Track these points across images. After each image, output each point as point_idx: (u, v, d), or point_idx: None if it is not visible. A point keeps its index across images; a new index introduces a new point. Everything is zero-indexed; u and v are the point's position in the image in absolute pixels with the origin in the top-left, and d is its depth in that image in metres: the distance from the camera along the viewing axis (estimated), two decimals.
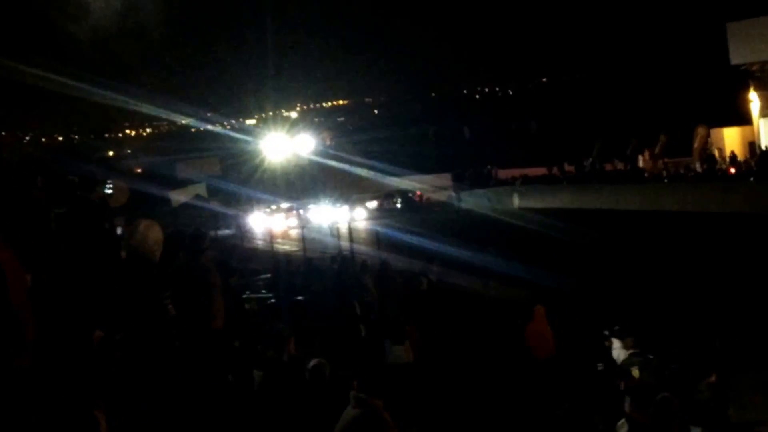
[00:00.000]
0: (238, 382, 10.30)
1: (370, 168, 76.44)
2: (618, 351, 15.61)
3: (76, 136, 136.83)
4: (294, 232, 56.16)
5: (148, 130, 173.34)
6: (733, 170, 54.09)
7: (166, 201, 63.00)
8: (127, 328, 7.61)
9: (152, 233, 8.24)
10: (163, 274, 8.37)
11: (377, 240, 45.99)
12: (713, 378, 14.08)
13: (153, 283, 7.96)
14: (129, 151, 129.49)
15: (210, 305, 9.77)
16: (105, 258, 9.22)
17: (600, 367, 15.91)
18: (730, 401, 14.90)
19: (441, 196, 71.74)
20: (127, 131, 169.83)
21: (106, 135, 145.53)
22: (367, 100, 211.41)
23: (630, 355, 15.03)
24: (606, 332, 16.12)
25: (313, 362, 10.25)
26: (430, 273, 25.40)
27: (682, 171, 56.80)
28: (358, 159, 77.33)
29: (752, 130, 58.86)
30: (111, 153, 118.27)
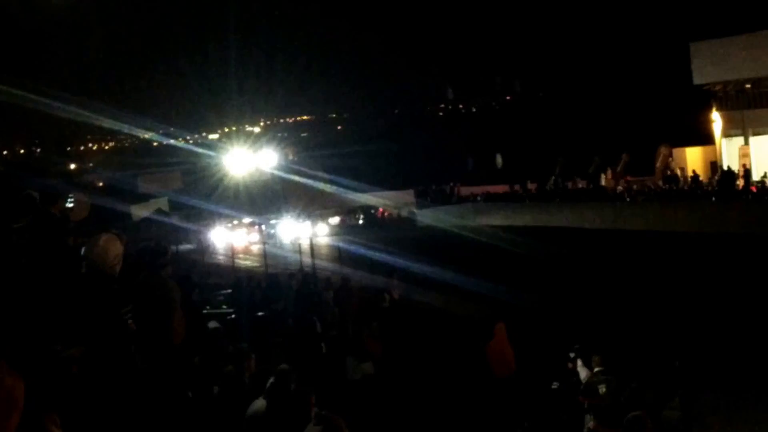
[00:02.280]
0: (198, 399, 10.23)
1: (333, 184, 76.35)
2: (579, 369, 15.66)
3: (38, 150, 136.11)
4: (256, 248, 56.04)
5: (110, 144, 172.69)
6: (693, 190, 54.43)
7: (128, 215, 62.62)
8: (86, 342, 7.54)
9: (112, 247, 8.17)
10: (123, 289, 8.30)
11: (339, 256, 45.97)
12: (678, 400, 14.17)
13: (113, 297, 7.89)
14: (91, 164, 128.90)
15: (170, 320, 9.69)
16: (64, 272, 9.14)
17: (555, 385, 15.93)
18: (693, 421, 15.00)
19: (403, 213, 71.79)
20: (89, 145, 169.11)
21: (68, 149, 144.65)
22: (330, 115, 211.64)
23: (596, 373, 15.07)
24: (571, 354, 16.18)
25: (279, 368, 10.20)
26: (392, 289, 25.38)
27: (645, 190, 57.11)
28: (321, 174, 77.26)
29: (714, 150, 59.31)
30: (73, 167, 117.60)
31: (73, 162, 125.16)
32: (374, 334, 17.51)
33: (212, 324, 15.48)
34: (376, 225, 70.05)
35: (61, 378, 6.97)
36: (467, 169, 64.04)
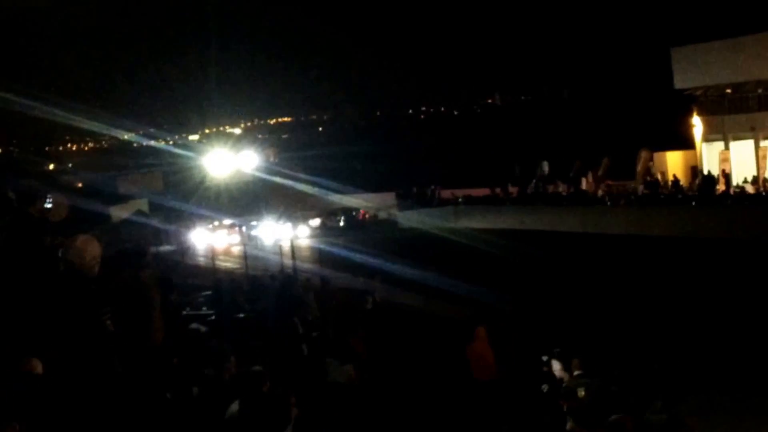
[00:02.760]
0: (177, 400, 10.15)
1: (315, 185, 76.33)
2: (558, 372, 15.65)
3: (16, 150, 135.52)
4: (236, 249, 55.94)
5: (90, 144, 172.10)
6: (673, 194, 54.54)
7: (107, 216, 62.43)
8: (63, 343, 7.47)
9: (90, 248, 8.11)
10: (101, 290, 8.23)
11: (320, 258, 45.91)
12: (659, 403, 14.13)
13: (90, 298, 7.82)
14: (70, 165, 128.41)
15: (149, 321, 9.64)
16: (43, 273, 9.06)
17: (545, 388, 15.92)
18: (676, 424, 14.97)
19: (384, 215, 71.78)
20: (69, 145, 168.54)
21: (47, 149, 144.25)
22: (311, 117, 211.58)
23: (576, 376, 15.07)
24: (545, 357, 16.17)
25: (251, 369, 10.11)
26: (373, 290, 25.36)
27: (626, 194, 57.18)
28: (303, 176, 77.22)
29: (695, 155, 59.43)
30: (52, 167, 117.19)
31: (51, 162, 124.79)
32: (358, 336, 17.47)
33: (194, 326, 15.40)
34: (356, 227, 70.00)
35: (24, 388, 6.89)
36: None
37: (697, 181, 55.30)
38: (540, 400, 15.62)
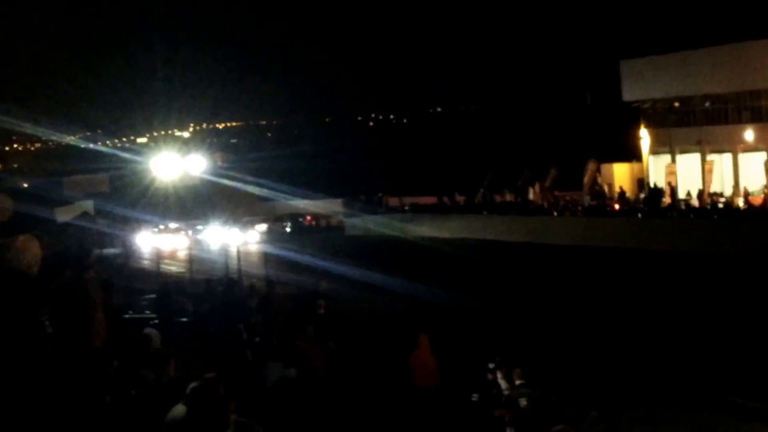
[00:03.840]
0: (115, 403, 10.08)
1: (263, 190, 76.17)
2: (500, 381, 15.71)
3: None
4: (182, 253, 55.62)
5: (36, 145, 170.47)
6: (619, 206, 54.92)
7: (52, 218, 61.82)
8: None
9: (30, 248, 8.03)
10: (41, 291, 8.15)
11: (266, 262, 45.81)
12: (595, 414, 14.23)
13: (29, 299, 7.75)
14: (15, 165, 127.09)
15: (89, 323, 9.55)
16: None
17: (474, 397, 15.97)
18: None
19: (331, 221, 71.74)
20: (15, 146, 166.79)
21: None
22: (260, 122, 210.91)
23: (518, 386, 15.14)
24: (492, 364, 16.22)
25: (205, 376, 10.04)
26: (322, 292, 25.48)
27: (571, 205, 57.46)
28: (251, 180, 76.97)
29: (641, 167, 59.96)
30: None
31: None
32: (309, 339, 17.42)
33: (148, 331, 15.35)
34: (303, 233, 69.90)
35: None
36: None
37: (642, 194, 55.77)
38: (477, 409, 15.69)
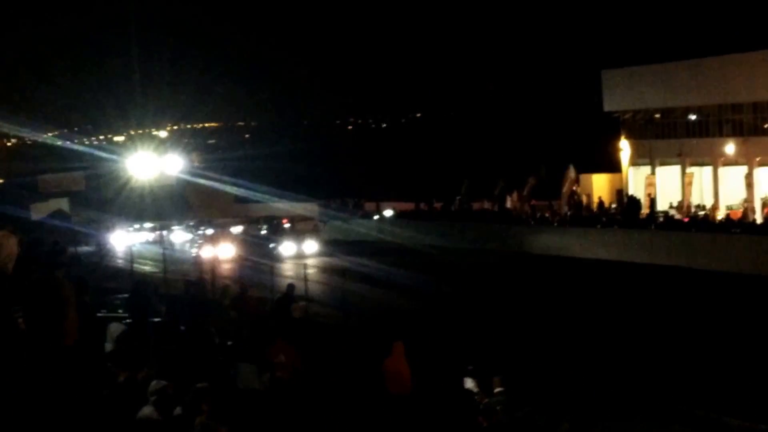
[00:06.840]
0: (86, 402, 10.00)
1: (239, 191, 76.04)
2: (472, 389, 15.68)
3: None
4: (156, 253, 55.44)
5: (11, 141, 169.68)
6: (598, 216, 54.99)
7: (26, 215, 61.53)
8: None
9: (5, 244, 7.96)
10: (14, 288, 8.08)
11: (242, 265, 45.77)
12: (567, 425, 14.23)
13: (3, 296, 7.67)
14: None
15: (62, 321, 9.46)
16: None
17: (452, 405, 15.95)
18: None
19: (308, 225, 71.56)
20: None
21: None
22: (238, 123, 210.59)
23: (496, 394, 15.13)
24: (468, 369, 16.20)
25: (155, 385, 9.99)
26: (295, 295, 25.43)
27: (549, 214, 57.42)
28: (228, 180, 76.81)
29: (620, 178, 60.10)
30: None
31: None
32: (279, 343, 17.38)
33: (119, 327, 15.27)
34: (279, 235, 69.70)
35: None
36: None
37: (621, 205, 55.90)
38: (452, 416, 15.65)
